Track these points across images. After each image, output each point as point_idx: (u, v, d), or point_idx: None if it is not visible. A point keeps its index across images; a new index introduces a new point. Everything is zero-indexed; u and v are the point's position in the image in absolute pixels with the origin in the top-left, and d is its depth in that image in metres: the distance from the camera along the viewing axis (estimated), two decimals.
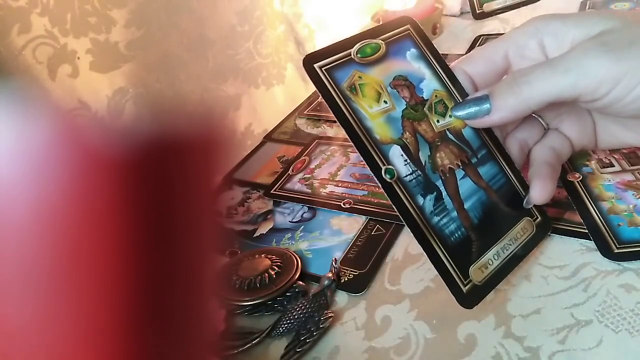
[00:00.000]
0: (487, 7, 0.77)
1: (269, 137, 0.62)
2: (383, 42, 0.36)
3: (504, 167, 0.36)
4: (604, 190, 0.40)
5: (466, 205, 0.34)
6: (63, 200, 0.09)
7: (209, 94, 0.62)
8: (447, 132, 0.36)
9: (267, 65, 0.69)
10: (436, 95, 0.36)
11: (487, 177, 0.36)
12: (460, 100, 0.36)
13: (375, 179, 0.33)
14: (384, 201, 0.46)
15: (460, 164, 0.35)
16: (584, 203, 0.39)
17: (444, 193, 0.34)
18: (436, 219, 0.33)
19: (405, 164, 0.33)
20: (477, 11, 0.77)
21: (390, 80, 0.35)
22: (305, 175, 0.52)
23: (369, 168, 0.33)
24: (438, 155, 0.35)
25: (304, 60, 0.34)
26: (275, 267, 0.41)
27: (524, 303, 0.34)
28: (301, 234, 0.46)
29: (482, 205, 0.35)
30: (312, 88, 0.76)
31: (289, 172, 0.54)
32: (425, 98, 0.36)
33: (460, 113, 0.35)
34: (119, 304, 0.10)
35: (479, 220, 0.34)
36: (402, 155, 0.34)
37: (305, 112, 0.65)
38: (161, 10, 0.56)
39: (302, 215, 0.48)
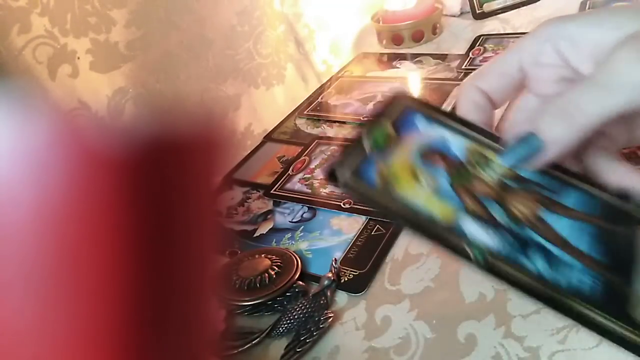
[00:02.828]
0: (487, 7, 0.77)
1: (269, 137, 0.62)
2: (389, 123, 0.33)
3: (584, 187, 0.32)
4: None
5: (578, 245, 0.29)
6: (63, 200, 0.09)
7: (209, 94, 0.62)
8: (505, 181, 0.31)
9: (267, 65, 0.69)
10: (469, 151, 0.32)
11: (577, 205, 0.30)
12: (495, 144, 0.32)
13: (472, 267, 0.27)
14: None
15: (540, 204, 0.30)
16: None
17: (547, 244, 0.28)
18: (560, 277, 0.27)
19: (487, 233, 0.29)
20: (477, 11, 0.77)
21: (417, 156, 0.32)
22: (305, 175, 0.52)
23: (456, 258, 0.28)
24: (512, 207, 0.30)
25: (327, 176, 0.30)
26: (275, 267, 0.41)
27: (524, 303, 0.34)
28: (301, 234, 0.46)
29: (594, 237, 0.29)
30: (312, 88, 0.76)
31: (289, 172, 0.54)
32: (460, 158, 0.32)
33: (511, 160, 0.30)
34: (118, 304, 0.10)
35: (601, 254, 0.29)
36: (477, 226, 0.29)
37: (305, 112, 0.65)
38: (161, 10, 0.56)
39: (302, 215, 0.48)
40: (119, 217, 0.10)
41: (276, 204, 0.50)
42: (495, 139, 0.32)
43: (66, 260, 0.10)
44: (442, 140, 0.33)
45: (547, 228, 0.29)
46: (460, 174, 0.31)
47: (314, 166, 0.53)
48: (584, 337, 0.31)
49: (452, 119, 0.34)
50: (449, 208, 0.29)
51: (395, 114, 0.34)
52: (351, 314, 0.37)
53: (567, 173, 0.32)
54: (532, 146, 0.29)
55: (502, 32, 0.72)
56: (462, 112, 0.33)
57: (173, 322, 0.11)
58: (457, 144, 0.32)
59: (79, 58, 0.50)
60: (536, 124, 0.29)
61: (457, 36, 0.75)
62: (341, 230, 0.45)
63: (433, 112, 0.34)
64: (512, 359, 0.31)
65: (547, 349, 0.31)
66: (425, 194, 0.30)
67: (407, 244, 0.41)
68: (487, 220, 0.29)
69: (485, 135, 0.33)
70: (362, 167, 0.31)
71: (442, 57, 0.70)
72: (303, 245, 0.44)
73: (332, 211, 0.47)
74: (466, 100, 0.33)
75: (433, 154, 0.32)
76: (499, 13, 0.77)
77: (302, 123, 0.63)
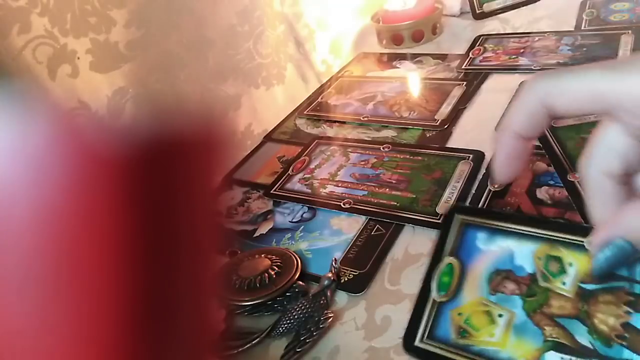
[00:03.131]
0: (487, 7, 0.77)
1: (269, 137, 0.62)
2: (449, 256, 0.30)
3: None
4: None
5: None
6: (62, 200, 0.09)
7: (209, 94, 0.62)
8: (583, 287, 0.27)
9: (267, 65, 0.69)
10: (539, 257, 0.29)
11: None
12: (564, 237, 0.28)
13: None
14: (384, 201, 0.46)
15: (627, 307, 0.26)
16: (584, 203, 0.39)
17: None
18: None
19: None
20: (477, 11, 0.77)
21: (487, 289, 0.28)
22: (305, 175, 0.52)
23: None
24: (596, 321, 0.26)
25: (405, 347, 0.29)
26: (275, 267, 0.41)
27: None
28: (301, 234, 0.46)
29: None
30: (312, 88, 0.76)
31: (289, 172, 0.54)
32: (530, 272, 0.28)
33: (600, 268, 0.25)
34: (117, 304, 0.10)
35: None
36: (562, 358, 0.26)
37: (305, 112, 0.65)
38: (161, 10, 0.56)
39: (302, 215, 0.48)
40: (118, 216, 0.10)
41: (276, 204, 0.50)
42: (570, 227, 0.28)
43: (65, 259, 0.10)
44: (508, 256, 0.29)
45: (636, 337, 0.25)
46: (533, 295, 0.28)
47: (314, 166, 0.53)
48: None
49: (515, 222, 0.30)
50: (529, 346, 0.26)
51: (452, 239, 0.31)
52: (351, 314, 0.37)
53: None
54: (624, 252, 0.25)
55: (502, 32, 0.72)
56: (515, 119, 0.26)
57: (173, 322, 0.11)
58: (525, 254, 0.29)
59: (79, 58, 0.50)
60: (628, 227, 0.25)
61: (457, 36, 0.75)
62: (341, 230, 0.45)
63: (493, 220, 0.31)
64: None
65: None
66: (503, 336, 0.27)
67: (407, 244, 0.41)
68: (572, 349, 0.26)
69: (549, 226, 0.29)
70: (435, 321, 0.29)
71: (442, 57, 0.70)
72: (303, 245, 0.44)
73: (332, 211, 0.47)
74: (523, 114, 0.26)
75: (502, 278, 0.29)
76: (499, 13, 0.77)
77: (302, 123, 0.63)
